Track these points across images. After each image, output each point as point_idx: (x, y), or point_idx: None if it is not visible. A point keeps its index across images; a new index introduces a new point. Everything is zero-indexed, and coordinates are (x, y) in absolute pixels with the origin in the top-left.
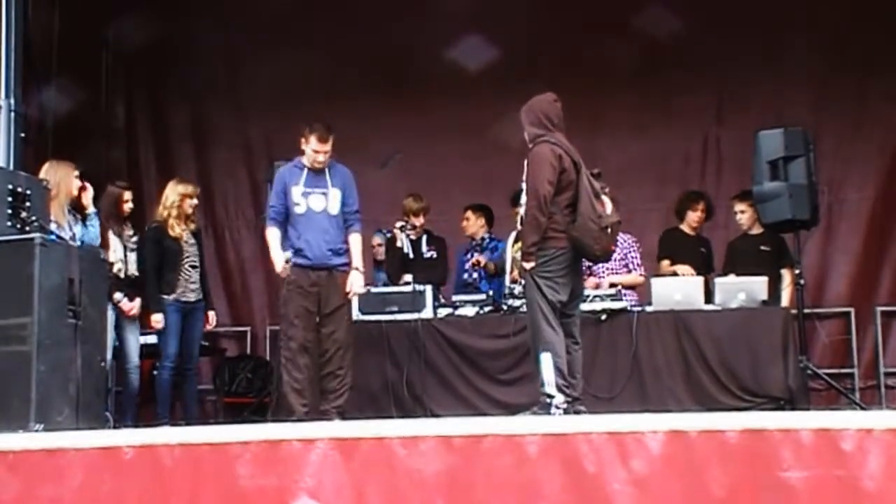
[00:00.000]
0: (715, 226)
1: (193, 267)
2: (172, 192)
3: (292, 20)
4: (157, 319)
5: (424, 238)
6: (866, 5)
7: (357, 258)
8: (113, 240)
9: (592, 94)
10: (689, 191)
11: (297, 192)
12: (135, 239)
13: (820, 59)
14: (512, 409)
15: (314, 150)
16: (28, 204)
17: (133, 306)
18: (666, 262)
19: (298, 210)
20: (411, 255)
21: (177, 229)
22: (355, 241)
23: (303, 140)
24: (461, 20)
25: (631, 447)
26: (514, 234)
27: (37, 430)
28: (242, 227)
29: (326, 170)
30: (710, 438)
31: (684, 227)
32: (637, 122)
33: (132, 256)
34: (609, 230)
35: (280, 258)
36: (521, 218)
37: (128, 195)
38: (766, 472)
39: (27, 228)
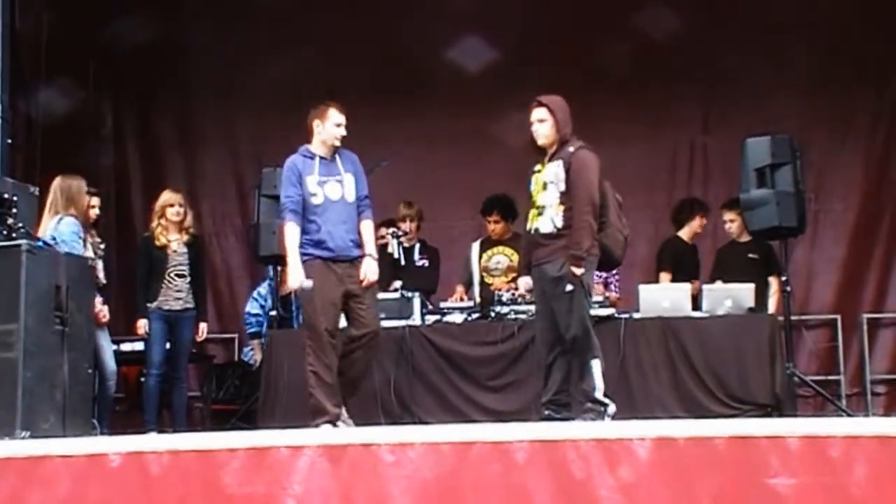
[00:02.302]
0: (703, 234)
1: (180, 276)
2: (158, 201)
3: (283, 27)
4: (141, 325)
5: (417, 246)
6: (856, 18)
7: (370, 245)
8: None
9: (581, 102)
10: (691, 198)
11: (312, 182)
12: (103, 245)
13: (808, 69)
14: (500, 416)
15: (336, 123)
16: (15, 210)
17: (105, 313)
18: (665, 276)
19: (316, 200)
20: (402, 262)
21: (161, 239)
22: (368, 227)
23: (317, 121)
24: (453, 27)
25: (619, 454)
26: (477, 243)
27: (23, 438)
28: (230, 234)
29: (336, 156)
30: (698, 445)
31: (683, 236)
32: (625, 130)
33: (100, 264)
34: (626, 241)
35: (300, 273)
36: (558, 219)
37: (95, 201)
38: (754, 479)
39: (14, 235)
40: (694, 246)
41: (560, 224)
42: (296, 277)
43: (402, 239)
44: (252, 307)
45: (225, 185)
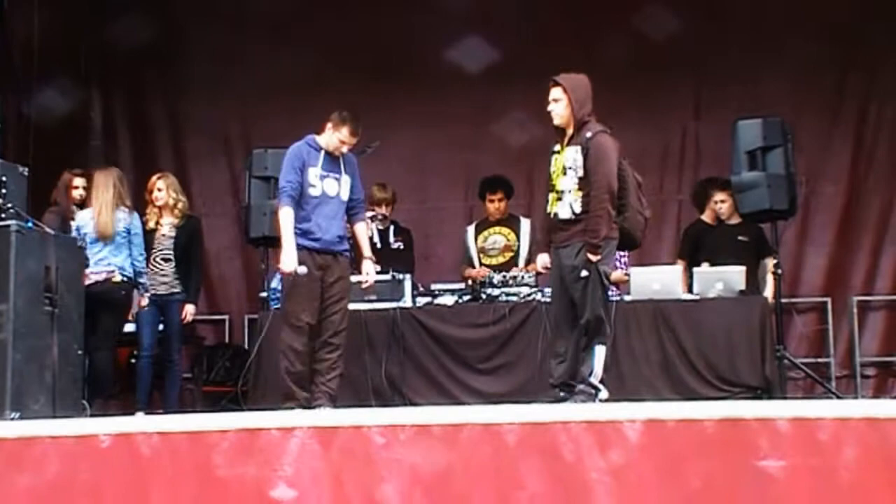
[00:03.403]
0: (692, 217)
1: (166, 260)
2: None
3: (273, 13)
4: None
5: (392, 228)
6: (843, 6)
7: (367, 247)
8: (74, 227)
9: None
10: (703, 179)
11: (313, 174)
12: None
13: (799, 54)
14: (490, 398)
15: (342, 140)
16: (4, 191)
17: None
18: (681, 263)
19: (314, 192)
20: (379, 245)
21: (150, 223)
22: (363, 229)
23: (330, 125)
24: (447, 14)
25: (609, 436)
26: (472, 226)
27: (13, 419)
28: (220, 216)
29: (340, 156)
30: (688, 428)
31: (705, 218)
32: (616, 114)
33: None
34: (646, 222)
35: (294, 257)
36: (576, 205)
37: (78, 181)
38: (744, 461)
39: (3, 216)
40: (720, 224)
41: (578, 209)
42: (290, 261)
43: (378, 222)
44: (276, 282)
45: (215, 166)
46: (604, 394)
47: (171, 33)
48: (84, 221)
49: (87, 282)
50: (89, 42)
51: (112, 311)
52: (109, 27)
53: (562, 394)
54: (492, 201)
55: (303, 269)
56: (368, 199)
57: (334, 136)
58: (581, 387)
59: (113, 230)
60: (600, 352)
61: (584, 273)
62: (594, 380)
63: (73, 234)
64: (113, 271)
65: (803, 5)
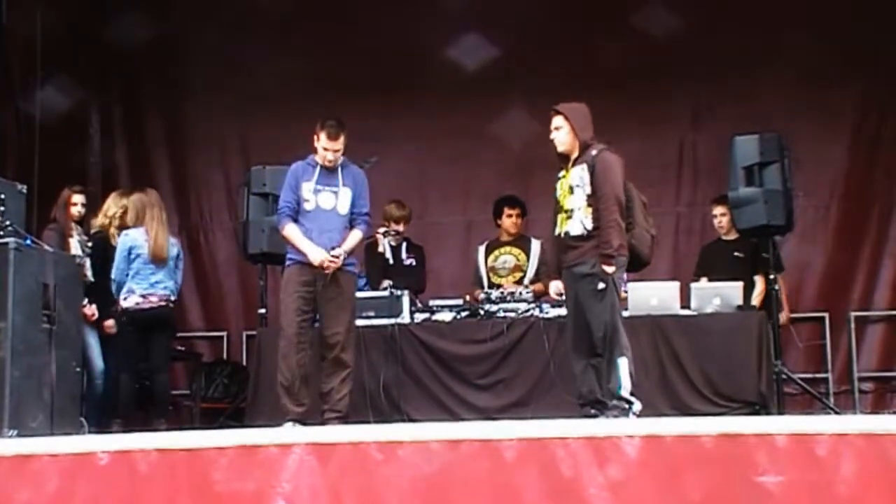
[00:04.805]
0: (691, 230)
1: None
2: (115, 203)
3: (272, 24)
4: (109, 325)
5: (404, 245)
6: (845, 15)
7: (348, 243)
8: (73, 244)
9: (571, 100)
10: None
11: (307, 189)
12: (90, 244)
13: (798, 66)
14: (489, 414)
15: (324, 147)
16: (3, 208)
17: (93, 311)
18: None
19: (307, 206)
20: (391, 262)
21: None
22: (355, 235)
23: (315, 137)
24: (446, 24)
25: (608, 452)
26: (483, 246)
27: (10, 436)
28: (217, 231)
29: (339, 169)
30: (686, 443)
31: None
32: (615, 127)
33: (87, 262)
34: (653, 240)
35: (319, 250)
36: (587, 222)
37: (76, 198)
38: (742, 476)
39: (1, 233)
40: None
41: (590, 226)
42: (317, 253)
43: (391, 238)
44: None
45: (212, 182)
46: (637, 406)
47: (170, 42)
48: (137, 242)
49: (147, 305)
50: (88, 45)
51: (170, 335)
52: (108, 31)
53: (592, 411)
54: (510, 216)
55: (338, 251)
56: (384, 216)
57: (318, 146)
58: (613, 402)
59: (167, 254)
60: (624, 364)
61: (601, 285)
62: (625, 393)
63: (124, 253)
64: (170, 296)
65: (803, 17)
